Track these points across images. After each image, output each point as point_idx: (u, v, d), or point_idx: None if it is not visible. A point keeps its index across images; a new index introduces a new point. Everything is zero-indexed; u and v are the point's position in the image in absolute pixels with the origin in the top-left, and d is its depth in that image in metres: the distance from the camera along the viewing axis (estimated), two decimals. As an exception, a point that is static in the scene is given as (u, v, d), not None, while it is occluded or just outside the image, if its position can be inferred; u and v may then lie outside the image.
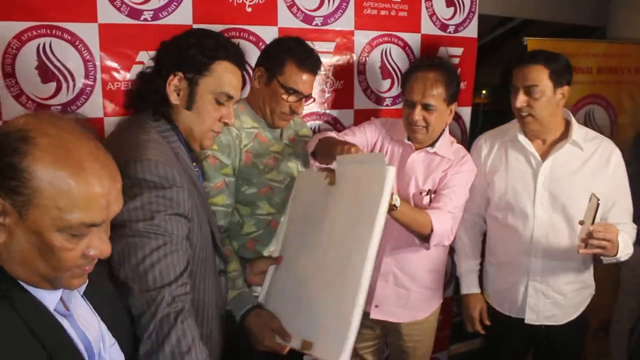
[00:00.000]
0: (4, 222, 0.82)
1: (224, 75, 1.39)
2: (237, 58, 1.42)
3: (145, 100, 1.37)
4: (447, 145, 2.11)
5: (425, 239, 1.96)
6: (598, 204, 1.72)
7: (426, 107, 1.98)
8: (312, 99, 1.97)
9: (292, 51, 1.84)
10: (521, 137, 2.07)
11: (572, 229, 1.98)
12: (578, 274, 2.09)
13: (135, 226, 1.20)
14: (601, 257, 1.91)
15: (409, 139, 2.11)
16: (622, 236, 1.86)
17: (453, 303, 3.38)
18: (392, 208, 1.71)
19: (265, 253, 1.93)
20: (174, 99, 1.37)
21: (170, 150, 1.35)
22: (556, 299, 2.09)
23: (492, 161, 2.15)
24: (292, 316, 1.62)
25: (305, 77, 1.84)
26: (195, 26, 2.07)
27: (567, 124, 2.08)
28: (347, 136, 2.08)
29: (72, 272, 0.89)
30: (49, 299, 0.90)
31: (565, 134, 2.06)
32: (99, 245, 0.89)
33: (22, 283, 0.87)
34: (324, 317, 1.50)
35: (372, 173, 1.53)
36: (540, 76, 1.95)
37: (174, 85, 1.36)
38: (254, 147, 1.87)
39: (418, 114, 1.98)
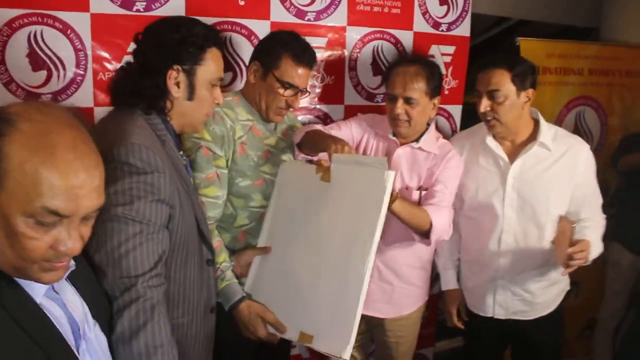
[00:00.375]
0: None
1: (215, 62, 1.47)
2: (220, 41, 1.50)
3: (141, 96, 1.38)
4: (432, 140, 2.12)
5: (425, 235, 1.97)
6: (573, 228, 1.81)
7: (408, 101, 1.99)
8: (307, 93, 1.98)
9: (288, 45, 1.85)
10: (489, 140, 2.09)
11: (540, 230, 2.04)
12: (546, 273, 2.11)
13: (114, 210, 1.21)
14: None
15: (394, 135, 2.12)
16: (592, 238, 1.92)
17: (439, 300, 3.41)
18: (392, 202, 1.76)
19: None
20: (175, 91, 1.42)
21: (157, 137, 1.38)
22: (524, 297, 2.13)
23: (464, 163, 2.16)
24: (285, 308, 1.68)
25: (301, 71, 1.86)
26: (187, 18, 2.08)
27: (537, 124, 2.09)
28: (332, 130, 2.10)
29: (39, 264, 0.87)
30: (36, 285, 0.90)
31: (534, 135, 2.06)
32: (66, 241, 0.87)
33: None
34: (325, 311, 1.60)
35: (372, 176, 1.61)
36: (502, 80, 1.96)
37: (174, 78, 1.41)
38: (248, 139, 1.88)
39: (400, 107, 2.00)
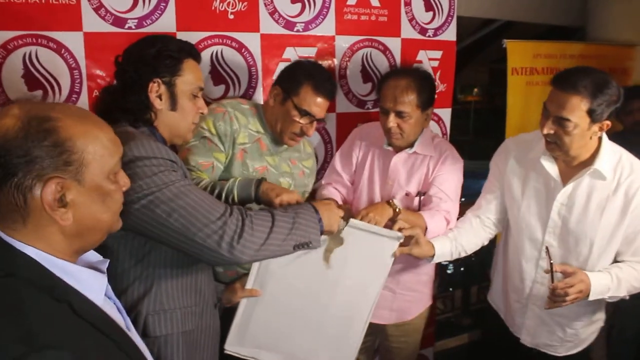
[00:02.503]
0: (68, 200, 0.90)
1: (193, 72, 1.52)
2: (194, 53, 1.54)
3: (126, 112, 1.44)
4: (428, 142, 2.14)
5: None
6: (552, 264, 1.72)
7: (399, 115, 2.00)
8: (323, 123, 2.02)
9: (310, 75, 1.90)
10: (543, 159, 1.86)
11: (582, 265, 1.83)
12: (584, 310, 1.91)
13: (152, 191, 1.29)
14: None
15: (388, 144, 2.15)
16: (612, 276, 1.76)
17: (438, 300, 3.46)
18: (395, 213, 1.87)
19: None
20: (157, 104, 1.46)
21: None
22: (554, 330, 1.96)
23: (512, 170, 1.99)
24: (285, 343, 1.79)
25: (319, 100, 1.90)
26: (178, 34, 2.13)
27: (600, 143, 1.80)
28: (337, 166, 2.27)
29: (119, 211, 1.04)
30: (97, 287, 0.98)
31: (594, 157, 1.79)
32: (126, 180, 1.04)
33: (65, 280, 0.92)
34: (327, 348, 1.82)
35: (382, 243, 1.79)
36: (577, 110, 1.67)
37: (155, 91, 1.46)
38: (251, 149, 1.92)
39: (392, 121, 2.01)
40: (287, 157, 2.05)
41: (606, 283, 1.76)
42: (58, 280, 0.90)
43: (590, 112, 1.67)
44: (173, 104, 1.49)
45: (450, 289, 3.97)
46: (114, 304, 1.06)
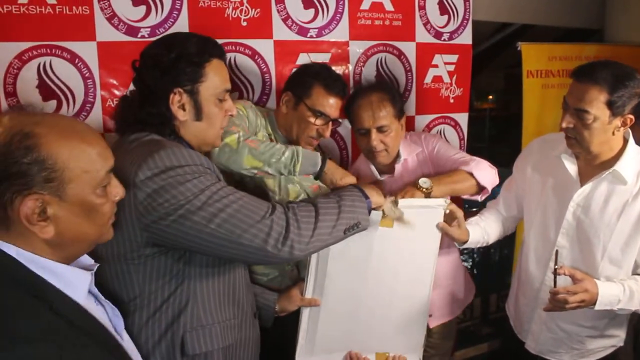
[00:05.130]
0: (49, 214, 0.91)
1: (217, 74, 1.39)
2: (218, 51, 1.41)
3: (147, 124, 1.34)
4: (407, 146, 2.07)
5: (476, 191, 1.92)
6: (556, 269, 1.65)
7: (381, 130, 1.92)
8: (338, 124, 1.98)
9: (319, 75, 1.88)
10: (564, 156, 1.80)
11: (593, 271, 1.75)
12: (593, 319, 1.82)
13: (189, 200, 1.21)
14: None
15: (376, 169, 2.07)
16: (617, 287, 1.67)
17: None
18: (427, 194, 1.76)
19: None
20: (181, 115, 1.35)
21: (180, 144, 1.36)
22: (559, 336, 1.89)
23: (534, 169, 1.94)
24: (354, 340, 1.79)
25: (332, 100, 1.88)
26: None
27: (626, 144, 1.73)
28: None
29: (109, 222, 1.05)
30: (80, 284, 0.98)
31: (617, 158, 1.71)
32: (118, 189, 1.05)
33: (45, 277, 0.93)
34: (395, 331, 1.81)
35: (429, 215, 1.74)
36: (596, 101, 1.61)
37: (177, 102, 1.34)
38: None
39: (375, 139, 1.92)
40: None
41: (616, 294, 1.66)
42: (37, 278, 0.92)
43: (610, 104, 1.60)
44: (198, 114, 1.37)
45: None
46: (103, 306, 1.06)
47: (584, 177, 1.78)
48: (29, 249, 0.92)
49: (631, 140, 1.73)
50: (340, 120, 1.96)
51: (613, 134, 1.67)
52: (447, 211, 1.74)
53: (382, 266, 1.72)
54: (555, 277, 1.67)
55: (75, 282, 0.97)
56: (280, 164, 1.65)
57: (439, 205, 1.74)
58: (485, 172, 1.89)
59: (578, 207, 1.78)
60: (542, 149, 1.95)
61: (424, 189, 1.76)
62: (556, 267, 1.66)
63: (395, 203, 1.63)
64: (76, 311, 0.94)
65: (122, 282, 1.29)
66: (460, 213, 1.80)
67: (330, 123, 1.92)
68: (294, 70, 2.03)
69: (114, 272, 1.29)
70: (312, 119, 1.86)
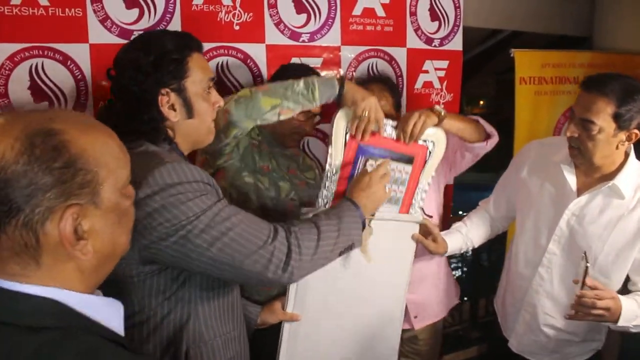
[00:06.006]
0: (85, 229, 0.76)
1: (200, 67, 1.35)
2: (197, 44, 1.38)
3: (140, 133, 1.28)
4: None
5: (482, 137, 1.92)
6: (587, 267, 1.56)
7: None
8: (320, 118, 2.00)
9: (294, 73, 1.86)
10: (564, 165, 1.80)
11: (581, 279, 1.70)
12: (574, 326, 1.82)
13: (191, 221, 1.16)
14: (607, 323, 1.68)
15: None
16: (633, 302, 1.64)
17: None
18: (441, 120, 1.76)
19: None
20: (173, 116, 1.31)
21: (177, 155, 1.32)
22: (540, 339, 1.90)
23: (531, 171, 1.94)
24: (335, 354, 1.80)
25: None
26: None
27: (626, 159, 1.74)
28: None
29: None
30: (116, 316, 0.85)
31: (616, 172, 1.72)
32: (132, 190, 0.89)
33: (89, 316, 0.79)
34: (372, 345, 1.83)
35: (405, 228, 1.80)
36: (603, 113, 1.60)
37: (167, 103, 1.30)
38: (258, 146, 1.93)
39: None
40: (284, 165, 2.03)
41: (634, 310, 1.63)
42: (89, 320, 0.77)
43: (617, 117, 1.60)
44: (189, 112, 1.33)
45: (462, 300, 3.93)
46: None
47: (582, 188, 1.78)
48: (65, 284, 0.76)
49: (632, 155, 1.74)
50: (320, 114, 1.98)
51: (617, 147, 1.67)
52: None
53: (360, 278, 1.74)
54: (584, 279, 1.57)
55: (112, 314, 0.84)
56: (298, 95, 1.60)
57: (417, 222, 1.81)
58: (489, 125, 1.93)
59: (573, 217, 1.78)
60: (541, 152, 1.95)
61: (439, 113, 1.75)
62: (587, 264, 1.57)
63: (369, 220, 1.64)
64: (124, 344, 0.84)
65: (120, 299, 1.26)
66: (435, 230, 1.87)
67: (312, 116, 1.93)
68: (273, 73, 2.03)
69: (112, 290, 1.25)
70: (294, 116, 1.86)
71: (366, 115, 1.61)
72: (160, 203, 1.14)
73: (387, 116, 1.74)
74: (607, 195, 1.73)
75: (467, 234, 2.06)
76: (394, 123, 1.73)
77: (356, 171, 1.70)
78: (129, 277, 1.22)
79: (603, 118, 1.61)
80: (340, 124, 1.67)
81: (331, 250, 1.35)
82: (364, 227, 1.46)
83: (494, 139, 1.92)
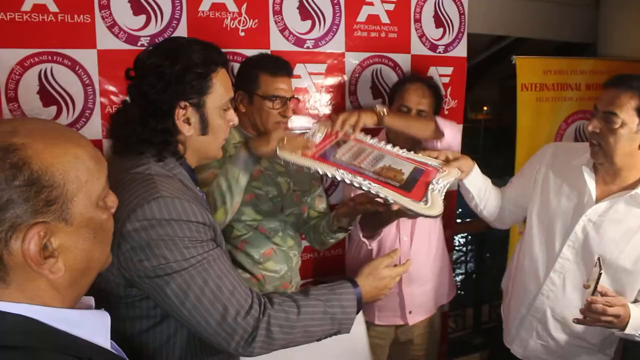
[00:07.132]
0: (55, 246, 0.73)
1: (223, 84, 1.30)
2: (223, 59, 1.32)
3: (151, 143, 1.23)
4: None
5: (435, 135, 1.95)
6: (600, 274, 1.54)
7: (419, 114, 2.14)
8: (297, 101, 2.03)
9: (260, 63, 1.91)
10: (585, 168, 1.77)
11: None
12: (585, 333, 1.81)
13: (170, 269, 1.11)
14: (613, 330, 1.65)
15: None
16: None
17: (450, 318, 3.42)
18: (380, 119, 1.92)
19: (256, 255, 1.94)
20: (186, 130, 1.26)
21: (177, 180, 1.25)
22: (549, 345, 1.87)
23: (549, 172, 1.90)
24: None
25: (279, 81, 1.90)
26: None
27: None
28: None
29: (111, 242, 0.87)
30: (102, 328, 0.82)
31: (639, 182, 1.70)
32: (114, 199, 0.85)
33: (69, 331, 0.76)
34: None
35: None
36: (626, 105, 1.61)
37: (182, 116, 1.25)
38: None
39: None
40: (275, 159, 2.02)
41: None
42: (64, 336, 0.74)
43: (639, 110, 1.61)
44: (204, 128, 1.28)
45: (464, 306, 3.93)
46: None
47: (600, 195, 1.76)
48: (38, 300, 0.73)
49: None
50: (297, 97, 2.00)
51: (638, 147, 1.66)
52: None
53: None
54: (596, 285, 1.56)
55: (98, 327, 0.81)
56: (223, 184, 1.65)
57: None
58: (447, 122, 1.97)
59: (589, 223, 1.75)
60: (558, 155, 1.93)
61: (379, 113, 1.91)
62: (601, 271, 1.56)
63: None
64: (110, 359, 0.82)
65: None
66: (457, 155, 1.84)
67: (289, 102, 1.93)
68: (238, 69, 2.01)
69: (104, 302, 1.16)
70: (269, 105, 1.87)
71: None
72: (146, 240, 1.10)
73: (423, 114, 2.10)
74: (628, 203, 1.70)
75: (488, 186, 2.00)
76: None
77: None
78: (119, 298, 1.19)
79: (626, 111, 1.61)
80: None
81: (310, 336, 1.25)
82: (359, 310, 1.33)
83: (449, 134, 1.93)
